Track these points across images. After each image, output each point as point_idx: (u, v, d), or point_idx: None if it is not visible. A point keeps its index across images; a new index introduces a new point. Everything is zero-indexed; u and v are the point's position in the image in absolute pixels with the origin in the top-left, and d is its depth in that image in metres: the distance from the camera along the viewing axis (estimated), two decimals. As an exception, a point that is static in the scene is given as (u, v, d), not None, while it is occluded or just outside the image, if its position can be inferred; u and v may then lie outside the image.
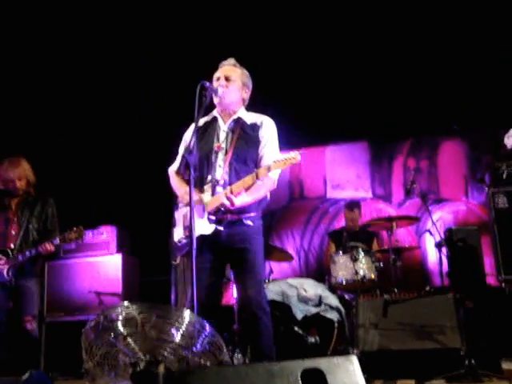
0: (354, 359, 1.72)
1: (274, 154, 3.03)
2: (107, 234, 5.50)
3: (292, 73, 6.07)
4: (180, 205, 3.15)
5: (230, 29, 5.72)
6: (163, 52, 5.97)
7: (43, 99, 6.19)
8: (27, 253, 3.96)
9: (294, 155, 2.75)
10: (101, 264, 5.50)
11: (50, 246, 3.92)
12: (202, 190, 2.97)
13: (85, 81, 6.17)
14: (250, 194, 2.91)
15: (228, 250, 2.94)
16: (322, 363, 1.65)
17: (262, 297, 2.91)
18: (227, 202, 2.81)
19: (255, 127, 3.10)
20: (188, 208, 2.65)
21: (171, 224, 3.19)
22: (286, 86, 6.07)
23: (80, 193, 5.82)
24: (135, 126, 6.41)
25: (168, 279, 6.96)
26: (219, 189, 2.93)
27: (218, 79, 3.08)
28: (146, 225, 6.22)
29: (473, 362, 3.47)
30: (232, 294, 4.87)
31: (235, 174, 2.96)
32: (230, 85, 3.08)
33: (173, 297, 7.16)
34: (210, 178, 3.00)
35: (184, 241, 2.95)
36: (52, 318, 5.32)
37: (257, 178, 2.80)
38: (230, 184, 2.92)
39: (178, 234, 3.02)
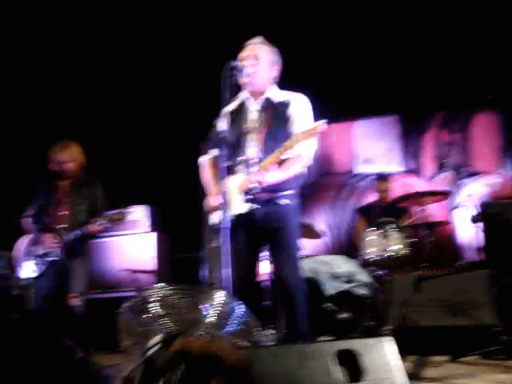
0: (389, 340, 1.72)
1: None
2: (140, 212, 5.59)
3: (321, 47, 5.97)
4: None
5: (254, 7, 5.65)
6: (194, 38, 5.95)
7: (76, 88, 6.28)
8: (76, 232, 4.11)
9: (317, 124, 2.72)
10: (135, 242, 5.60)
11: (95, 226, 4.07)
12: (234, 172, 2.98)
13: (114, 66, 6.21)
14: (282, 170, 2.90)
15: (264, 230, 2.96)
16: (355, 344, 1.66)
17: (298, 276, 2.93)
18: (258, 179, 2.81)
19: (283, 105, 3.07)
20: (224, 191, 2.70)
21: (203, 210, 3.22)
22: (315, 61, 5.97)
23: (113, 172, 5.90)
24: (166, 106, 6.44)
25: (198, 257, 7.08)
26: (253, 168, 2.93)
27: (246, 58, 3.04)
28: (175, 203, 6.29)
29: (508, 338, 3.43)
30: (261, 271, 4.90)
31: (269, 152, 2.93)
32: (258, 63, 3.04)
33: (206, 272, 7.27)
34: (241, 157, 3.00)
35: (218, 223, 2.96)
36: (89, 296, 5.46)
37: (284, 151, 2.79)
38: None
39: (215, 216, 3.03)
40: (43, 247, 4.15)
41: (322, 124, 2.71)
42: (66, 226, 4.18)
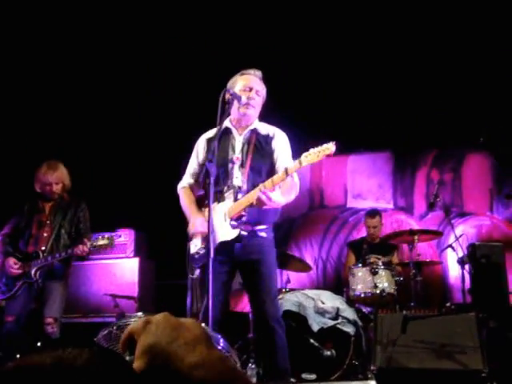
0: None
1: (287, 164, 3.03)
2: (125, 236, 5.49)
3: (314, 82, 6.01)
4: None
5: (242, 37, 5.69)
6: (184, 61, 5.98)
7: (63, 107, 6.25)
8: (57, 255, 4.03)
9: (328, 146, 2.72)
10: (117, 267, 5.49)
11: (84, 248, 3.96)
12: (219, 199, 2.95)
13: (99, 86, 6.20)
14: (283, 194, 2.89)
15: (241, 262, 2.92)
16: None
17: (277, 310, 2.88)
18: (264, 197, 2.76)
19: (268, 138, 3.13)
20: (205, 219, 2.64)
21: (187, 237, 3.17)
22: (308, 95, 6.01)
23: (98, 195, 5.82)
24: (153, 130, 6.42)
25: (184, 283, 6.95)
26: (240, 196, 2.92)
27: (250, 90, 3.05)
28: (163, 228, 6.20)
29: (495, 384, 3.35)
30: (247, 302, 4.82)
31: (252, 184, 2.96)
32: (258, 99, 3.08)
33: (188, 301, 7.15)
34: (228, 185, 2.97)
35: (202, 252, 2.91)
36: (67, 319, 5.31)
37: (286, 174, 2.76)
38: (248, 192, 2.90)
39: (196, 245, 2.99)
40: (4, 272, 4.06)
41: (332, 145, 2.72)
42: (46, 247, 4.08)
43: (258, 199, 2.76)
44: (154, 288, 5.86)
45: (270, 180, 2.84)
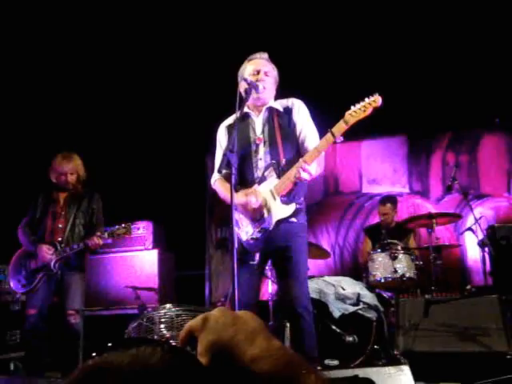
0: (407, 369, 1.65)
1: (313, 133, 3.00)
2: (144, 229, 5.53)
3: (330, 65, 5.96)
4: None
5: (252, 23, 5.64)
6: (201, 49, 5.95)
7: (83, 97, 6.26)
8: (74, 246, 4.04)
9: (374, 98, 2.63)
10: (137, 259, 5.53)
11: (98, 240, 3.98)
12: (248, 186, 2.94)
13: (118, 78, 6.20)
14: (318, 165, 2.83)
15: (271, 248, 2.90)
16: (373, 373, 1.59)
17: (305, 296, 2.87)
18: (306, 175, 2.71)
19: (287, 111, 3.08)
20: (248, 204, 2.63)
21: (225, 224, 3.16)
22: (323, 79, 5.96)
23: (117, 188, 5.86)
24: (172, 120, 6.42)
25: (202, 274, 7.00)
26: (284, 168, 2.86)
27: (258, 73, 3.03)
28: (181, 220, 6.23)
29: (520, 366, 3.34)
30: (267, 290, 4.84)
31: (287, 159, 2.91)
32: (268, 80, 3.05)
33: (207, 291, 7.20)
34: (264, 163, 2.93)
35: (259, 235, 2.87)
36: (90, 312, 5.38)
37: (333, 136, 2.69)
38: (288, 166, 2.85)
39: (247, 232, 2.95)
40: (37, 260, 4.06)
41: (378, 96, 2.63)
42: (62, 239, 4.10)
43: (300, 178, 2.70)
44: (174, 279, 5.90)
45: (313, 150, 2.75)
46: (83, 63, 6.04)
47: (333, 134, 2.67)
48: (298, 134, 3.02)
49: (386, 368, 1.60)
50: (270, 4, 5.55)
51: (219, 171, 2.94)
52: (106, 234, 4.00)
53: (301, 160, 2.76)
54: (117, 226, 4.01)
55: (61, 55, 5.93)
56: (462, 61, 5.72)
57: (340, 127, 2.67)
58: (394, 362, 3.25)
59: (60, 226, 4.16)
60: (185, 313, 1.98)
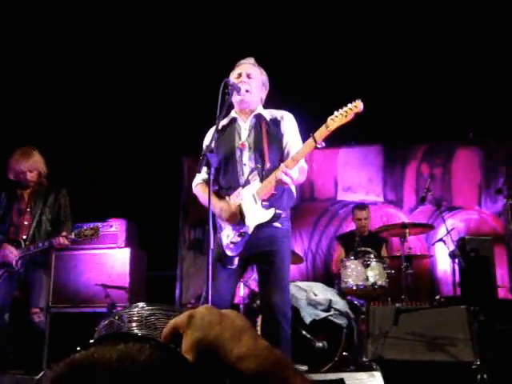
0: (378, 375, 1.66)
1: (299, 146, 2.99)
2: (116, 226, 5.45)
3: (308, 74, 6.00)
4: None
5: (239, 29, 5.65)
6: (179, 49, 5.92)
7: (57, 92, 6.15)
8: (39, 244, 3.93)
9: (356, 103, 2.65)
10: (108, 257, 5.45)
11: (64, 240, 3.88)
12: (229, 193, 2.92)
13: (97, 74, 6.12)
14: (298, 173, 2.84)
15: (254, 252, 2.88)
16: (345, 378, 1.59)
17: (284, 303, 2.84)
18: (287, 179, 2.71)
19: (276, 122, 3.07)
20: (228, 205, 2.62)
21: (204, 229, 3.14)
22: (301, 86, 5.99)
23: (90, 185, 5.77)
24: (146, 119, 6.36)
25: (174, 274, 6.94)
26: (267, 172, 2.87)
27: (239, 76, 3.03)
28: (155, 219, 6.18)
29: (485, 376, 3.41)
30: (238, 293, 4.82)
31: (273, 166, 2.90)
32: (251, 82, 3.05)
33: (177, 292, 7.14)
34: (249, 169, 2.93)
35: (239, 239, 2.86)
36: (57, 309, 5.28)
37: (314, 142, 2.70)
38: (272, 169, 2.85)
39: (228, 235, 2.93)
40: (1, 257, 3.95)
41: (360, 101, 2.65)
42: (28, 236, 4.00)
43: (281, 181, 2.69)
44: (145, 278, 5.83)
45: (295, 154, 2.76)
46: (55, 57, 5.94)
47: (314, 139, 2.68)
48: (284, 145, 3.02)
49: (358, 373, 1.61)
50: (257, 11, 5.57)
51: (198, 171, 2.93)
52: (72, 234, 3.90)
53: (282, 164, 2.76)
54: (85, 227, 3.90)
55: (29, 49, 5.82)
56: (440, 75, 5.83)
57: (321, 132, 2.68)
58: (365, 368, 3.27)
59: (26, 222, 4.05)
60: (158, 312, 1.94)
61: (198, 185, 3.13)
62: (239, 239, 2.85)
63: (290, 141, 3.02)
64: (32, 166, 4.06)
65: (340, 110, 2.65)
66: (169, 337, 0.67)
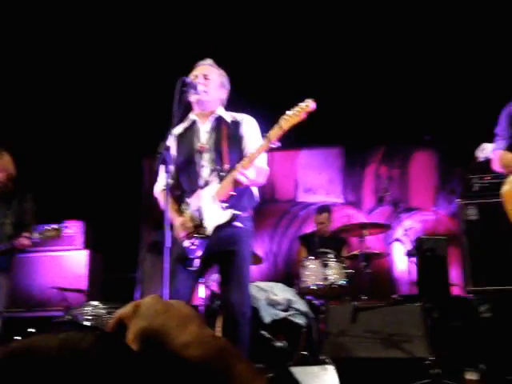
0: (331, 368, 1.68)
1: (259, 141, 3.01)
2: (74, 228, 5.35)
3: (268, 75, 6.03)
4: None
5: (205, 28, 5.65)
6: (139, 49, 5.87)
7: (15, 92, 6.01)
8: (1, 246, 3.85)
9: (307, 102, 2.68)
10: (66, 259, 5.35)
11: (25, 241, 3.80)
12: (190, 196, 2.91)
13: (56, 72, 6.00)
14: (256, 174, 2.85)
15: (214, 252, 2.88)
16: (298, 372, 1.61)
17: (244, 303, 2.84)
18: (243, 179, 2.72)
19: (236, 124, 3.07)
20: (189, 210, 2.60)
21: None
22: (262, 88, 6.02)
23: (47, 186, 5.64)
24: (104, 119, 6.28)
25: (132, 277, 6.85)
26: (226, 175, 2.87)
27: (195, 77, 3.02)
28: (114, 221, 6.09)
29: (438, 371, 3.49)
30: (198, 295, 4.80)
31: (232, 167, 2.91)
32: (209, 83, 3.04)
33: (137, 294, 7.05)
34: (209, 171, 2.92)
35: (197, 241, 2.84)
36: (11, 314, 5.13)
37: (269, 142, 2.71)
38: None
39: (186, 240, 2.91)
40: None
41: (311, 101, 2.68)
42: None
43: (236, 181, 2.71)
44: (103, 281, 5.74)
45: (249, 155, 2.78)
46: (16, 58, 5.80)
47: (268, 138, 2.71)
48: (243, 147, 3.02)
49: (310, 367, 1.63)
50: (214, 10, 5.57)
51: (156, 169, 2.92)
52: (34, 235, 3.84)
53: (238, 164, 2.77)
54: (46, 227, 3.85)
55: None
56: (398, 79, 5.96)
57: (275, 131, 2.72)
58: (318, 362, 3.30)
59: None
60: (112, 310, 1.92)
61: (162, 191, 3.09)
62: (199, 241, 2.84)
63: (249, 143, 3.02)
64: (1, 166, 4.02)
65: (292, 110, 2.69)
66: (114, 327, 0.67)
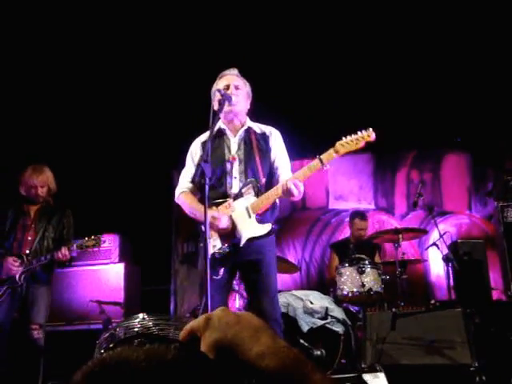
0: (382, 376, 1.67)
1: (287, 164, 3.06)
2: (110, 242, 5.44)
3: (295, 82, 6.05)
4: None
5: (223, 40, 5.70)
6: (166, 63, 5.95)
7: (49, 109, 6.16)
8: (42, 258, 3.95)
9: (368, 132, 2.68)
10: (103, 273, 5.43)
11: (65, 251, 3.88)
12: (217, 204, 2.93)
13: (88, 90, 6.13)
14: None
15: (241, 262, 2.90)
16: (350, 380, 1.60)
17: (276, 310, 2.86)
18: (296, 191, 2.72)
19: (265, 137, 3.11)
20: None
21: (197, 240, 3.14)
22: (290, 95, 6.04)
23: (83, 200, 5.75)
24: (139, 134, 6.38)
25: (168, 289, 6.92)
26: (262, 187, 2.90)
27: (228, 87, 3.05)
28: (147, 234, 6.16)
29: (483, 378, 3.42)
30: (234, 305, 4.82)
31: (267, 180, 2.96)
32: (239, 93, 3.07)
33: (172, 306, 7.11)
34: (240, 182, 2.95)
35: (226, 250, 2.86)
36: (52, 328, 5.23)
37: (321, 163, 2.72)
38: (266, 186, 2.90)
39: (215, 245, 2.93)
40: (2, 272, 3.95)
41: (372, 131, 2.68)
42: (30, 251, 4.02)
43: (288, 190, 2.71)
44: (139, 293, 5.81)
45: (304, 169, 2.79)
46: (53, 76, 5.94)
47: (321, 161, 2.72)
48: (272, 160, 3.06)
49: (362, 375, 1.62)
50: (241, 19, 5.63)
51: (192, 181, 2.94)
52: (74, 246, 3.92)
53: (292, 177, 2.80)
54: (86, 238, 3.93)
55: (26, 65, 5.83)
56: (427, 83, 5.91)
57: (329, 156, 2.74)
58: (369, 369, 3.27)
59: (29, 238, 4.08)
60: (163, 322, 1.94)
61: (182, 193, 3.12)
62: (227, 250, 2.86)
63: (277, 156, 3.07)
64: (44, 181, 4.15)
65: (351, 137, 2.70)
66: (186, 340, 0.69)
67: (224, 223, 2.85)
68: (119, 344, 1.80)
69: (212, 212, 2.87)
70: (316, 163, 2.75)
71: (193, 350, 0.66)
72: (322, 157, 2.74)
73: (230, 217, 2.88)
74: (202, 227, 2.95)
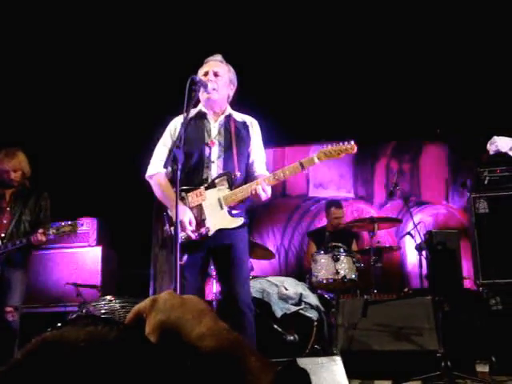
0: (338, 359, 1.72)
1: (263, 157, 3.09)
2: (87, 225, 5.43)
3: (278, 70, 6.06)
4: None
5: (216, 25, 5.68)
6: (146, 45, 5.92)
7: (30, 91, 6.10)
8: (17, 242, 3.95)
9: (351, 146, 2.74)
10: (80, 255, 5.43)
11: (41, 236, 3.87)
12: (188, 190, 2.94)
13: (67, 73, 6.07)
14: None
15: (214, 247, 2.94)
16: (306, 362, 1.65)
17: (247, 294, 2.91)
18: (263, 194, 2.77)
19: (245, 126, 3.13)
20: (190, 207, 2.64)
21: (161, 223, 3.15)
22: (272, 84, 6.05)
23: (61, 183, 5.72)
24: (119, 115, 6.33)
25: (146, 272, 6.92)
26: (237, 181, 2.92)
27: (206, 74, 3.05)
28: (125, 217, 6.15)
29: (448, 364, 3.51)
30: (211, 290, 4.86)
31: (242, 172, 2.99)
32: (219, 80, 3.06)
33: (151, 291, 7.13)
34: (217, 168, 2.96)
35: (193, 237, 2.88)
36: (28, 309, 5.23)
37: (302, 168, 2.77)
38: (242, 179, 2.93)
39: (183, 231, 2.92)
40: None
41: (355, 145, 2.74)
42: (6, 234, 4.02)
43: (257, 195, 2.76)
44: (117, 277, 5.82)
45: (285, 170, 2.83)
46: (28, 57, 5.88)
47: (302, 166, 2.77)
48: (249, 150, 3.09)
49: (319, 358, 1.67)
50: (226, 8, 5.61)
51: (165, 166, 2.94)
52: (50, 231, 3.91)
53: (262, 179, 2.84)
54: (62, 223, 3.92)
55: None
56: (407, 74, 5.95)
57: (311, 162, 2.80)
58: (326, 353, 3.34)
59: (5, 221, 4.08)
60: (129, 304, 1.97)
61: (156, 175, 3.07)
62: (195, 239, 2.88)
63: (254, 149, 3.10)
64: (16, 165, 4.12)
65: (333, 146, 2.75)
66: (132, 321, 0.71)
67: (181, 216, 2.80)
68: (65, 324, 1.82)
69: (181, 214, 2.80)
70: (296, 166, 2.82)
71: (135, 331, 0.68)
72: (303, 162, 2.80)
73: (200, 205, 2.90)
74: (169, 212, 2.99)
